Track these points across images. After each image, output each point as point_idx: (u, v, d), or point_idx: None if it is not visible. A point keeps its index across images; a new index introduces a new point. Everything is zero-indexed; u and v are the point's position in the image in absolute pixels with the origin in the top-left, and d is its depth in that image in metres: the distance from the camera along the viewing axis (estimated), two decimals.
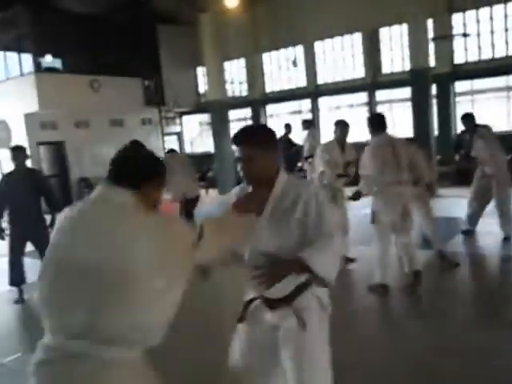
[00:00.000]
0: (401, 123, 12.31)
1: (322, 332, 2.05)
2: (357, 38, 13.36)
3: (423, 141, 9.11)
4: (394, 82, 12.55)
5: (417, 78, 10.21)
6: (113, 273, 1.49)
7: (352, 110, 13.80)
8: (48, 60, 12.61)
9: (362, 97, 13.59)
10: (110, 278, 1.49)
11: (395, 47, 12.92)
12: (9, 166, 5.97)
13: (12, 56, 12.39)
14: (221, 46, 13.19)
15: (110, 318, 1.50)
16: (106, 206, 1.63)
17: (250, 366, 2.09)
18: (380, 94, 13.39)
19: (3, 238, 5.50)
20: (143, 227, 1.56)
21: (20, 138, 12.31)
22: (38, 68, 11.98)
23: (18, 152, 5.41)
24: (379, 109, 13.30)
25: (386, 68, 13.14)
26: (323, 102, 14.31)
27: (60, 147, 12.98)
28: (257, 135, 2.07)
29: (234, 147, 2.04)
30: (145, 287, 1.50)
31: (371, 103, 13.38)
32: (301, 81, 14.49)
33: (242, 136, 2.04)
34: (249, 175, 2.02)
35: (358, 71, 13.53)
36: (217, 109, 13.29)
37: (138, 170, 1.70)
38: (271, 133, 2.11)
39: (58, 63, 12.95)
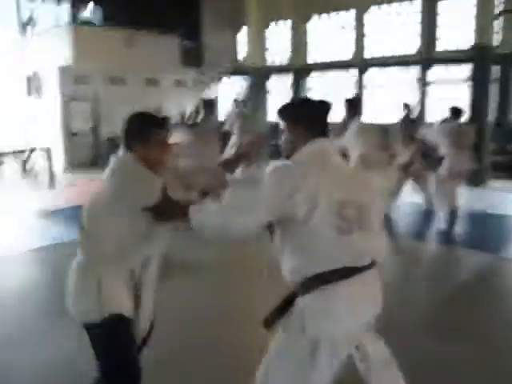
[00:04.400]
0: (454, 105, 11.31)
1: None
2: (416, 5, 12.24)
3: (477, 126, 8.21)
4: (452, 58, 11.51)
5: (478, 56, 9.22)
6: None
7: (400, 86, 12.88)
8: (88, 9, 12.13)
9: (413, 73, 12.63)
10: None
11: (455, 20, 11.79)
12: None
13: (49, 7, 11.97)
14: (267, 7, 12.42)
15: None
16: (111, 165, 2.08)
17: None
18: (434, 71, 12.37)
19: None
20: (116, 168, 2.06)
21: (52, 91, 12.06)
22: (74, 20, 11.53)
23: None
24: (431, 87, 12.35)
25: (444, 43, 12.07)
26: (370, 75, 13.39)
27: (92, 103, 12.63)
28: (292, 108, 2.09)
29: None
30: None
31: (423, 80, 12.39)
32: (348, 50, 13.58)
33: (281, 108, 2.07)
34: (282, 148, 2.04)
35: (412, 44, 12.53)
36: (255, 75, 12.66)
37: (126, 132, 2.04)
38: (303, 112, 2.03)
39: (94, 16, 12.46)
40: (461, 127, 6.05)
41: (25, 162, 10.77)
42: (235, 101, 10.96)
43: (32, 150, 10.83)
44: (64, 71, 11.79)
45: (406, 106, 7.70)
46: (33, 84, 12.52)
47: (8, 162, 11.24)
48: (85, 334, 2.07)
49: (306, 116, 2.00)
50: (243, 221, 1.78)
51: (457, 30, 11.70)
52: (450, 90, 12.02)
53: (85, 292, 2.03)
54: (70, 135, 12.23)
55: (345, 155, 4.35)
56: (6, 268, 5.05)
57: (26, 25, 12.35)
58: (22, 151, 10.95)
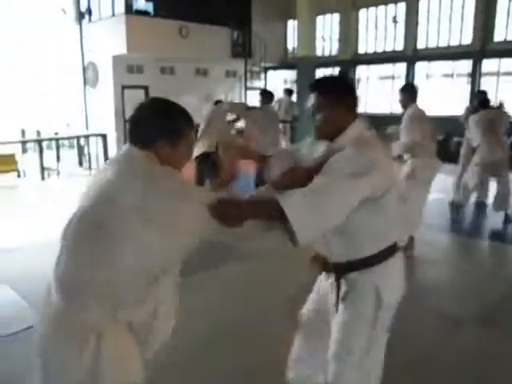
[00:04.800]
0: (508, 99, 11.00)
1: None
2: None
3: None
4: (508, 51, 11.15)
5: None
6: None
7: (451, 79, 12.59)
8: (141, 3, 12.43)
9: (465, 66, 12.29)
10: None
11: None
12: None
13: None
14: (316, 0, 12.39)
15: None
16: (117, 166, 1.54)
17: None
18: (487, 64, 12.01)
19: None
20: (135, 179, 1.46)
21: (107, 79, 12.45)
22: (129, 10, 11.82)
23: None
24: (483, 81, 12.01)
25: (499, 35, 11.67)
26: (420, 68, 13.12)
27: (144, 92, 12.96)
28: (335, 82, 1.91)
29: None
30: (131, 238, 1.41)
31: (475, 74, 12.05)
32: (398, 43, 13.35)
33: (320, 80, 1.92)
34: (316, 128, 1.84)
35: (465, 36, 12.16)
36: (304, 66, 12.63)
37: (146, 130, 1.56)
38: (347, 86, 1.88)
39: (148, 6, 12.74)
40: (491, 114, 6.12)
41: (81, 147, 11.21)
42: (286, 90, 11.06)
43: (88, 136, 11.25)
44: (118, 60, 12.15)
45: (480, 93, 7.37)
46: (88, 72, 12.97)
47: (65, 147, 11.74)
48: None
49: (351, 93, 1.84)
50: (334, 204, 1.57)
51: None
52: (504, 84, 11.69)
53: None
54: (123, 122, 12.60)
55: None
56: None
57: (83, 14, 12.76)
58: (79, 137, 11.40)
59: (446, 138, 9.15)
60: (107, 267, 1.42)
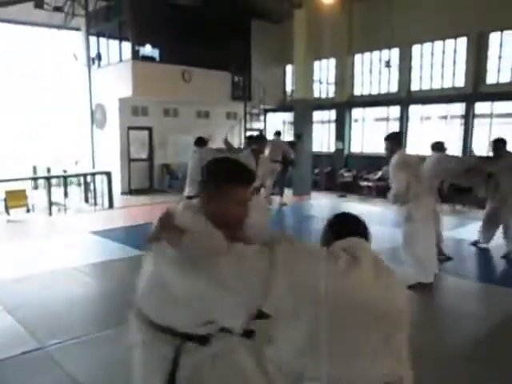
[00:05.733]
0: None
1: None
2: (460, 42, 12.39)
3: None
4: (500, 94, 11.58)
5: None
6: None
7: (445, 121, 13.00)
8: (147, 49, 13.18)
9: (458, 108, 12.73)
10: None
11: (504, 55, 11.80)
12: None
13: (114, 44, 13.05)
14: (312, 44, 13.03)
15: None
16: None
17: None
18: (480, 107, 12.44)
19: None
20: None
21: (113, 121, 13.05)
22: (135, 56, 12.51)
23: None
24: (477, 122, 12.42)
25: (491, 78, 12.11)
26: (414, 110, 13.58)
27: (148, 133, 13.54)
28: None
29: None
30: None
31: (468, 116, 12.49)
32: (392, 86, 13.86)
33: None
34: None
35: (458, 79, 12.63)
36: (301, 108, 13.16)
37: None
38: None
39: (154, 52, 13.46)
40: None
41: (87, 184, 11.67)
42: (276, 132, 11.70)
43: (94, 174, 11.73)
44: (124, 102, 12.78)
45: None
46: (97, 114, 13.60)
47: (73, 184, 12.21)
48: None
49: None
50: None
51: (506, 63, 11.70)
52: (497, 126, 12.04)
53: None
54: (128, 161, 13.12)
55: None
56: (62, 280, 5.36)
57: (93, 60, 13.51)
58: (86, 174, 11.88)
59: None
60: None
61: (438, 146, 6.67)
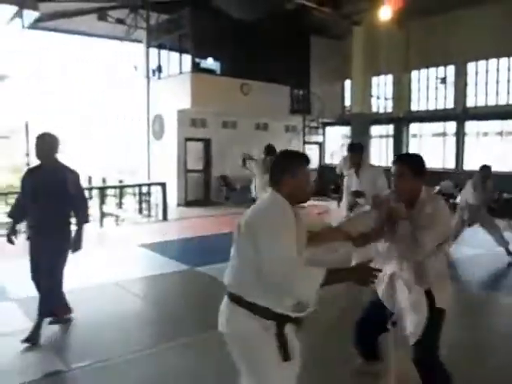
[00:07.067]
0: None
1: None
2: None
3: None
4: None
5: None
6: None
7: (500, 138, 12.52)
8: (209, 62, 13.18)
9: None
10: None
11: None
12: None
13: (174, 56, 13.13)
14: (370, 61, 13.13)
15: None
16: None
17: None
18: None
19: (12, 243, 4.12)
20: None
21: (171, 132, 13.05)
22: (195, 68, 12.50)
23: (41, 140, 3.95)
24: None
25: None
26: (470, 126, 13.08)
27: (206, 144, 13.44)
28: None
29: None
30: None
31: None
32: (448, 102, 13.54)
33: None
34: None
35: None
36: (359, 122, 12.95)
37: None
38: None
39: (214, 65, 13.44)
40: None
41: (142, 195, 11.63)
42: (343, 145, 11.17)
43: (149, 185, 11.69)
44: (182, 114, 12.75)
45: None
46: (155, 125, 13.67)
47: (129, 194, 12.23)
48: None
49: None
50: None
51: None
52: None
53: None
54: (185, 172, 13.04)
55: None
56: (98, 297, 5.10)
57: (153, 71, 13.63)
58: (141, 185, 11.87)
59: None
60: None
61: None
